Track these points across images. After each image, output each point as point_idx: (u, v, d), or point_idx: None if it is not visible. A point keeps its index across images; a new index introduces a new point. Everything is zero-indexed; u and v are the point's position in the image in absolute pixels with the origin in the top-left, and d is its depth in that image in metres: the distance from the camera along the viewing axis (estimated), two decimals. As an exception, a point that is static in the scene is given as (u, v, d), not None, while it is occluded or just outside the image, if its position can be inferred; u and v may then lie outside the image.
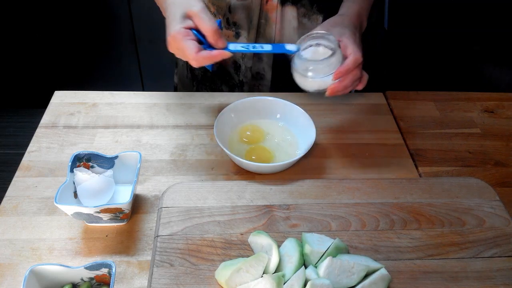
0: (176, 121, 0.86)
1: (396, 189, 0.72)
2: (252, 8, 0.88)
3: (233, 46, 0.71)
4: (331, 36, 0.70)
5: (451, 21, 1.62)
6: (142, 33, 1.89)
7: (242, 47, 0.72)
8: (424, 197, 0.71)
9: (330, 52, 0.70)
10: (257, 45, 0.72)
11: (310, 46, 0.72)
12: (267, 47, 0.73)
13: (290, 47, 0.71)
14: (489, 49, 1.70)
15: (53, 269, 0.54)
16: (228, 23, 0.91)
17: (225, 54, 0.70)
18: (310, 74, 0.70)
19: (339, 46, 0.71)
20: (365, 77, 0.74)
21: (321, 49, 0.71)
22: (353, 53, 0.69)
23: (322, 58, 0.69)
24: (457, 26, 1.63)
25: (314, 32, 0.71)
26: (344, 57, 0.70)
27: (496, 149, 0.84)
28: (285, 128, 0.82)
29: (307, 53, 0.71)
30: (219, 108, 0.88)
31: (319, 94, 0.74)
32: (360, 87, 0.74)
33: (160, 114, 0.87)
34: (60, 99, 0.89)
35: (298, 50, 0.71)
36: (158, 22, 0.71)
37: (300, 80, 0.73)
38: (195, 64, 0.69)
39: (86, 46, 1.92)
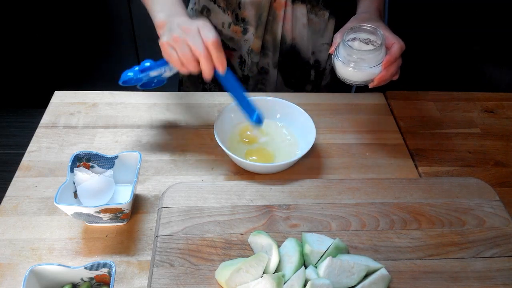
0: (176, 121, 0.86)
1: (396, 189, 0.72)
2: (262, 5, 0.88)
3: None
4: (379, 31, 0.70)
5: (451, 21, 1.62)
6: (142, 33, 1.89)
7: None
8: (424, 197, 0.71)
9: (369, 45, 0.70)
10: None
11: (349, 40, 0.71)
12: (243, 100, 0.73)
13: (252, 119, 0.73)
14: (489, 49, 1.69)
15: (53, 269, 0.54)
16: (237, 19, 0.92)
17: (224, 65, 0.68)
18: (359, 65, 0.69)
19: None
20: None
21: (356, 43, 0.71)
22: (397, 42, 0.70)
23: (372, 48, 0.69)
24: (457, 26, 1.63)
25: (364, 25, 0.71)
26: (386, 47, 0.70)
27: (496, 149, 0.84)
28: (285, 128, 0.82)
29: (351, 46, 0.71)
30: (219, 108, 0.88)
31: (359, 86, 0.73)
32: (396, 76, 0.73)
33: (160, 114, 0.87)
34: (60, 99, 0.89)
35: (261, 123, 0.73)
36: (158, 22, 0.70)
37: (344, 71, 0.71)
38: (213, 49, 0.66)
39: (86, 46, 1.92)
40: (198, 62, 0.67)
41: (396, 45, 0.69)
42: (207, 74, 0.68)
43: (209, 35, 0.66)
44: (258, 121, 0.73)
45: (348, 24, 0.76)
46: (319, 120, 0.86)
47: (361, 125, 0.87)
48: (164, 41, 0.68)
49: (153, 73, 0.73)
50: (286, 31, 0.93)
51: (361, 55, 0.69)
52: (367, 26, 0.71)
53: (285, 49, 0.96)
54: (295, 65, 0.99)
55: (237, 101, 0.73)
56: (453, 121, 0.90)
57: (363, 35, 0.71)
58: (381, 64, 0.69)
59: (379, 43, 0.69)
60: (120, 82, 0.71)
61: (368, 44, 0.71)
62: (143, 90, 0.83)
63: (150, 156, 0.78)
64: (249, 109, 0.73)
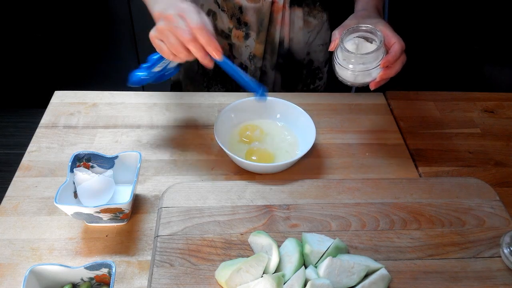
0: (176, 121, 0.86)
1: (396, 189, 0.72)
2: (263, 11, 0.88)
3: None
4: (378, 31, 0.69)
5: (451, 21, 1.62)
6: (142, 33, 1.89)
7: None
8: (424, 197, 0.71)
9: (370, 44, 0.69)
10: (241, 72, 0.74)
11: (348, 41, 0.70)
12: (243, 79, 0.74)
13: (257, 94, 0.77)
14: (489, 49, 1.70)
15: (53, 269, 0.54)
16: (239, 23, 0.92)
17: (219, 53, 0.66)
18: (358, 67, 0.68)
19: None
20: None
21: (356, 41, 0.70)
22: (398, 41, 0.69)
23: (371, 50, 0.68)
24: (457, 26, 1.63)
25: (362, 26, 0.70)
26: (387, 46, 0.69)
27: (496, 149, 0.84)
28: (285, 128, 0.82)
29: (348, 47, 0.70)
30: (219, 108, 0.88)
31: (355, 87, 0.73)
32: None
33: (160, 114, 0.87)
34: (60, 99, 0.89)
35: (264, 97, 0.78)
36: (158, 22, 0.70)
37: (343, 73, 0.70)
38: (200, 33, 0.63)
39: (86, 46, 1.92)
40: (189, 50, 0.65)
41: (397, 44, 0.68)
42: (203, 60, 0.65)
43: (193, 18, 0.63)
44: (263, 95, 0.78)
45: (347, 22, 0.74)
46: (319, 120, 0.86)
47: (361, 125, 0.87)
48: (152, 34, 0.66)
49: (157, 69, 0.72)
50: (284, 34, 0.94)
51: (359, 58, 0.68)
52: (364, 26, 0.69)
53: (282, 52, 0.96)
54: (290, 66, 0.99)
55: (240, 82, 0.75)
56: (453, 121, 0.90)
57: (362, 34, 0.70)
58: (380, 65, 0.68)
59: (378, 43, 0.68)
60: (129, 84, 0.71)
61: (368, 40, 0.70)
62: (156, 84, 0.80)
63: (150, 156, 0.78)
64: (252, 86, 0.76)
